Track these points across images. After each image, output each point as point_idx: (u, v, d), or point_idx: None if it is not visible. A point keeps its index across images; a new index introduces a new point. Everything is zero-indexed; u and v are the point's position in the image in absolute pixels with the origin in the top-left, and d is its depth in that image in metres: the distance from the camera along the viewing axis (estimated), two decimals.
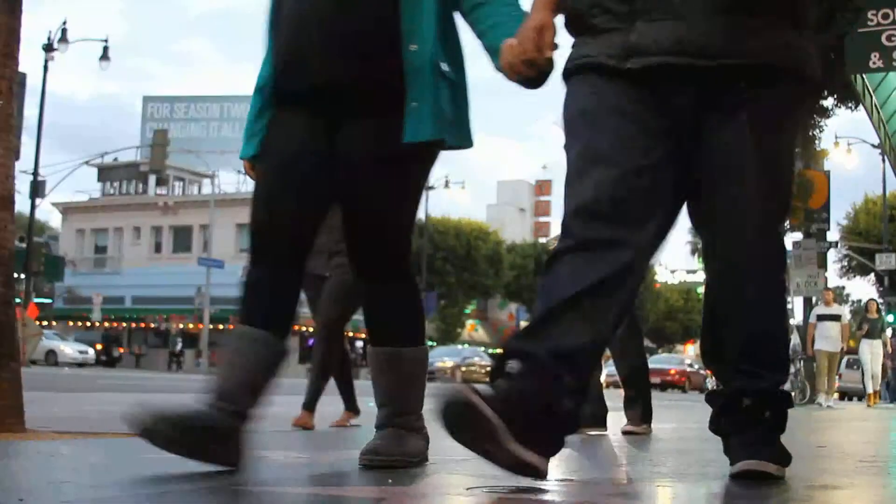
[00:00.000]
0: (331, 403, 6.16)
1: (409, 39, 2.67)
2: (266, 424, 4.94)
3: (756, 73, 2.36)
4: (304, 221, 2.82)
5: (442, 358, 36.77)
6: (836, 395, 16.77)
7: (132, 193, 52.41)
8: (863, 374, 17.18)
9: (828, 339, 14.68)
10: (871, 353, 15.98)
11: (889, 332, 22.16)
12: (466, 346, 47.24)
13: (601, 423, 5.39)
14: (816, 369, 15.08)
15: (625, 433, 5.37)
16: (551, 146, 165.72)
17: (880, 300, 30.31)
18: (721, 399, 2.73)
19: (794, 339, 15.05)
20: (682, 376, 36.39)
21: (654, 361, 59.22)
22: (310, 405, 5.62)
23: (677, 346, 79.31)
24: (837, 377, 16.66)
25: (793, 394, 15.21)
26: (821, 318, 15.09)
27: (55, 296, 49.23)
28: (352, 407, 5.93)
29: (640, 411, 5.54)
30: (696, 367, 37.48)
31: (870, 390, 16.22)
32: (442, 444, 4.44)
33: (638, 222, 2.35)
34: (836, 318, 15.01)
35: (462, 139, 2.86)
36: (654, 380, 41.27)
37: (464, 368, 35.98)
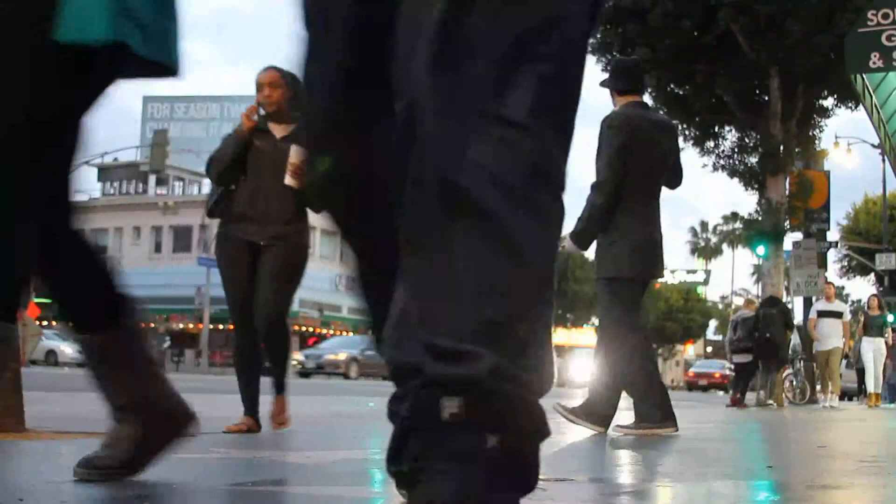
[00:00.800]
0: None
1: None
2: (265, 425, 4.95)
3: None
4: None
5: (334, 350, 31.62)
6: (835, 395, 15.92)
7: (132, 193, 52.43)
8: (862, 373, 16.67)
9: (828, 338, 14.09)
10: (874, 351, 15.10)
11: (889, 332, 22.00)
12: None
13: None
14: (817, 369, 14.80)
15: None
16: None
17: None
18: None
19: (795, 338, 14.74)
20: (726, 378, 36.57)
21: (700, 366, 59.26)
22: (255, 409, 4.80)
23: (677, 346, 79.28)
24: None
25: (793, 393, 14.89)
26: (821, 314, 14.42)
27: None
28: (254, 412, 4.79)
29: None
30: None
31: (871, 390, 15.36)
32: None
33: None
34: (838, 314, 14.38)
35: (162, 52, 2.03)
36: (702, 382, 41.13)
37: (360, 360, 30.30)
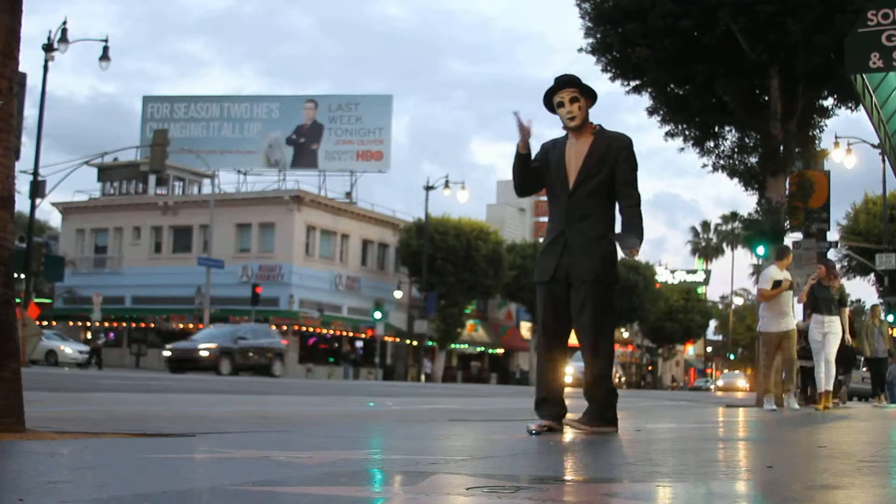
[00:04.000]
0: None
1: None
2: (266, 425, 4.95)
3: None
4: None
5: (205, 341, 29.59)
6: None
7: (132, 193, 52.41)
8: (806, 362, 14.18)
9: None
10: (823, 332, 12.11)
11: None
12: (258, 323, 37.14)
13: None
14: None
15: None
16: None
17: (879, 300, 30.30)
18: None
19: None
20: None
21: (727, 376, 60.19)
22: None
23: (677, 346, 79.35)
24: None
25: (795, 394, 14.78)
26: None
27: (55, 296, 49.25)
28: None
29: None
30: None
31: (823, 388, 12.18)
32: (442, 445, 4.44)
33: None
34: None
35: None
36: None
37: (236, 354, 29.08)
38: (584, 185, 5.19)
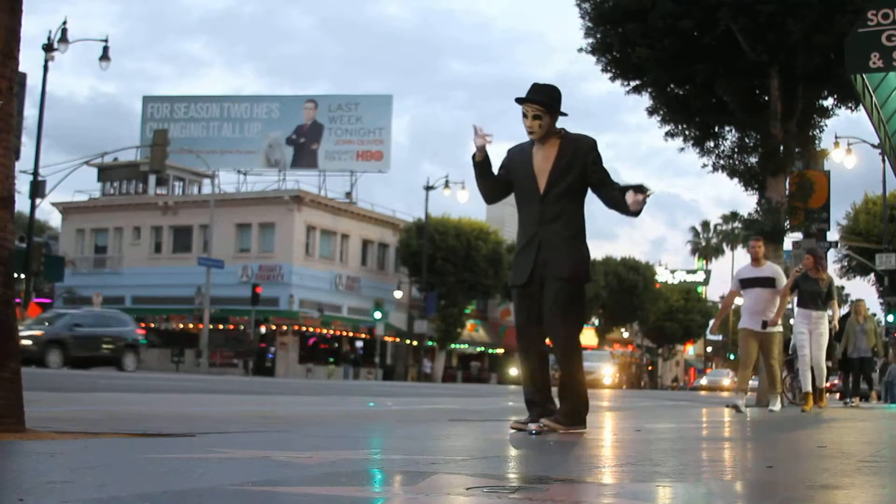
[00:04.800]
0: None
1: None
2: (266, 425, 4.95)
3: None
4: None
5: (30, 328, 24.28)
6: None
7: (132, 193, 52.39)
8: (793, 361, 13.50)
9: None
10: (809, 329, 11.36)
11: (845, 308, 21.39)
12: (109, 309, 32.95)
13: None
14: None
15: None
16: None
17: (879, 300, 30.29)
18: None
19: (794, 338, 14.50)
20: None
21: (712, 374, 58.51)
22: None
23: (677, 346, 79.34)
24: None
25: (793, 393, 14.69)
26: (745, 283, 10.72)
27: (55, 296, 49.24)
28: None
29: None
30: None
31: (808, 387, 11.52)
32: (442, 445, 4.44)
33: None
34: (767, 282, 10.49)
35: None
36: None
37: (70, 344, 24.98)
38: (555, 189, 5.24)
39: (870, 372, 17.06)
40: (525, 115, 5.27)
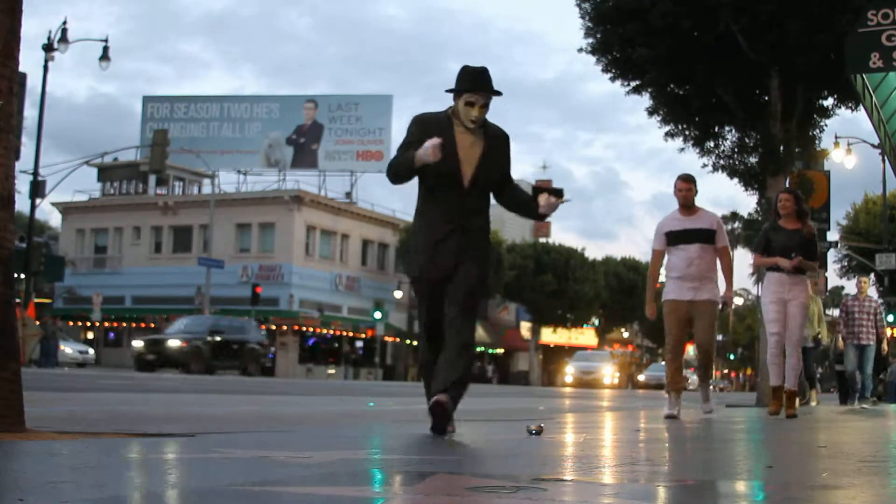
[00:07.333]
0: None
1: None
2: (266, 425, 4.95)
3: None
4: None
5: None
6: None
7: (132, 193, 52.38)
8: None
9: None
10: (783, 299, 8.35)
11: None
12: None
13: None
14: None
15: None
16: (551, 146, 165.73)
17: (879, 300, 30.26)
18: None
19: None
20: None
21: (652, 368, 56.07)
22: None
23: None
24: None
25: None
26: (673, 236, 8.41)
27: (55, 296, 49.23)
28: None
29: None
30: None
31: (785, 383, 8.50)
32: (442, 445, 4.44)
33: None
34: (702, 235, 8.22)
35: None
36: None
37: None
38: (481, 181, 4.97)
39: (811, 363, 14.16)
40: (472, 104, 4.91)
